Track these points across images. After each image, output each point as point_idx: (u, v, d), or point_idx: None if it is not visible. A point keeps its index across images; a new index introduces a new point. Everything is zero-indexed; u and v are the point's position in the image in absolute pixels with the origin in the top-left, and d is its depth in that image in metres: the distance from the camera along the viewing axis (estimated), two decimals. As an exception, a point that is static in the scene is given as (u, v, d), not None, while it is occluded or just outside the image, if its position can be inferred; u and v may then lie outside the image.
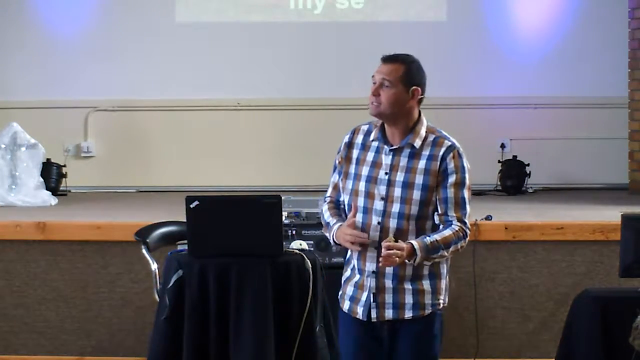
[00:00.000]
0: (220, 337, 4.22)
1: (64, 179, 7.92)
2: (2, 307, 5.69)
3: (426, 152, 3.47)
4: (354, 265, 3.58)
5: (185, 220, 4.37)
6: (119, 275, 5.64)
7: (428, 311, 3.52)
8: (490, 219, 5.67)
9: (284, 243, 4.40)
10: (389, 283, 3.48)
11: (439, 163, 3.45)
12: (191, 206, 4.28)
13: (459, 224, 3.44)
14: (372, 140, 3.54)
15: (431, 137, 3.49)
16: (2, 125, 7.30)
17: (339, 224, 3.52)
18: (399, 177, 3.45)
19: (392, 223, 3.44)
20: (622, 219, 4.54)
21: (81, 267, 5.66)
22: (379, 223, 3.46)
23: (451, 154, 3.46)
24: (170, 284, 4.31)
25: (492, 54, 8.30)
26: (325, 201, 3.66)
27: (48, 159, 7.67)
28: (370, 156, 3.51)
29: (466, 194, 3.47)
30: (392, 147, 3.48)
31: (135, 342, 5.54)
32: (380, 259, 3.36)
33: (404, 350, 3.54)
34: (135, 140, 8.42)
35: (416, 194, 3.44)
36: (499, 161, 8.03)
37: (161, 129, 8.42)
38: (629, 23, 8.01)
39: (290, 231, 5.08)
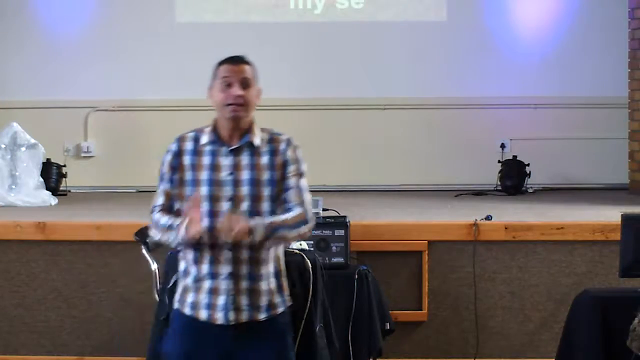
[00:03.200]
0: (220, 337, 4.21)
1: (64, 179, 7.92)
2: (2, 307, 5.68)
3: (266, 149, 3.47)
4: (199, 271, 3.43)
5: (185, 220, 4.35)
6: (119, 275, 5.63)
7: (280, 310, 3.47)
8: (490, 219, 5.67)
9: (284, 243, 4.39)
10: (245, 284, 3.41)
11: (280, 157, 3.47)
12: (191, 206, 4.26)
13: (299, 209, 3.42)
14: (204, 145, 3.49)
15: (266, 135, 3.50)
16: (2, 125, 7.30)
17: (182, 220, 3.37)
18: (245, 175, 3.42)
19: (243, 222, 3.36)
20: (622, 219, 4.55)
21: (81, 267, 5.66)
22: None
23: (290, 147, 3.50)
24: (170, 284, 4.32)
25: (492, 54, 8.30)
26: (154, 211, 3.48)
27: (48, 159, 7.67)
28: (206, 160, 3.46)
29: (304, 183, 3.49)
30: (231, 147, 3.45)
31: (135, 342, 5.53)
32: (220, 223, 3.29)
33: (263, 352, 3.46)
34: (135, 140, 8.42)
35: (265, 190, 3.42)
36: (499, 161, 8.03)
37: (161, 129, 8.41)
38: (629, 23, 8.01)
39: (290, 231, 5.06)
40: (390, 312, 5.18)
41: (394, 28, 8.40)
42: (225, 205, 3.37)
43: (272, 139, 3.48)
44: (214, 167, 3.42)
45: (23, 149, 7.14)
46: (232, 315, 3.38)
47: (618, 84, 8.09)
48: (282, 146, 3.47)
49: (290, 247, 4.57)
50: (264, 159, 3.44)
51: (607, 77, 8.22)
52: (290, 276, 4.24)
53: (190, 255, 3.45)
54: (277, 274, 3.46)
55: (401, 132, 8.23)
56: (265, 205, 3.40)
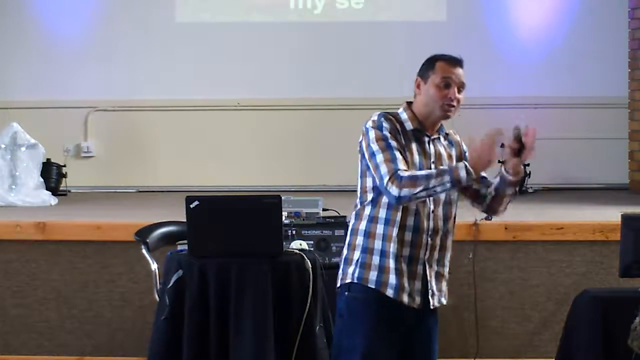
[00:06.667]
0: (220, 337, 4.22)
1: (64, 179, 7.92)
2: (2, 307, 5.68)
3: (450, 140, 3.68)
4: (399, 255, 3.47)
5: (185, 220, 4.37)
6: (119, 275, 5.63)
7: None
8: (490, 219, 5.66)
9: (284, 243, 4.40)
10: (437, 269, 3.55)
11: (461, 148, 3.69)
12: (191, 206, 4.28)
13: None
14: (410, 130, 3.54)
15: (444, 128, 3.66)
16: (2, 125, 7.30)
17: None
18: (445, 164, 3.55)
19: (440, 210, 3.53)
20: (622, 219, 4.54)
21: (81, 267, 5.66)
22: (432, 211, 3.50)
23: (460, 138, 3.73)
24: (170, 284, 4.31)
25: (492, 54, 8.30)
26: (401, 172, 3.36)
27: (48, 159, 7.67)
28: (413, 145, 3.51)
29: None
30: (432, 137, 3.58)
31: (135, 342, 5.53)
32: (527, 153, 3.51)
33: (434, 336, 3.63)
34: (135, 140, 8.43)
35: None
36: (499, 161, 8.02)
37: (161, 129, 8.43)
38: (629, 23, 8.02)
39: (290, 231, 5.07)
40: (390, 312, 5.17)
41: (394, 28, 8.41)
42: None
43: (447, 133, 3.68)
44: (422, 153, 3.52)
45: (23, 149, 7.15)
46: (434, 300, 3.54)
47: (618, 84, 8.10)
48: (457, 137, 3.70)
49: (290, 247, 4.58)
50: (452, 150, 3.64)
51: (607, 77, 8.22)
52: (290, 276, 4.27)
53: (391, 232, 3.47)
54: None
55: (401, 132, 8.23)
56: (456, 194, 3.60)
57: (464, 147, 3.63)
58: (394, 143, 3.43)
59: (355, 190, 3.59)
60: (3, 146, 7.10)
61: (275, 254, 4.26)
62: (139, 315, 5.54)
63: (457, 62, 3.60)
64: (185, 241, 4.45)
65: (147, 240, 4.75)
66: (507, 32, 8.35)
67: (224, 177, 8.26)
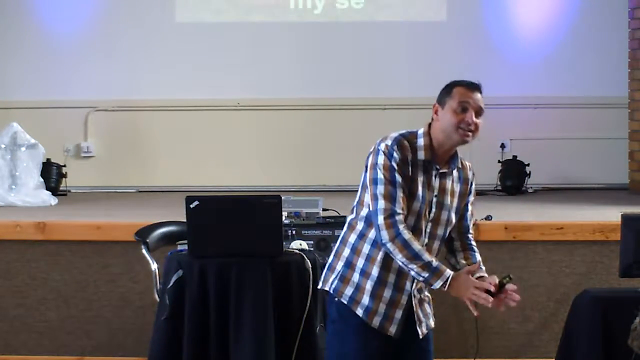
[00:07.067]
0: (220, 337, 4.22)
1: (64, 179, 7.92)
2: (2, 307, 5.68)
3: (457, 175, 3.54)
4: (382, 280, 3.45)
5: (185, 220, 4.37)
6: (119, 275, 5.63)
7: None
8: (490, 219, 5.67)
9: (284, 243, 4.40)
10: (420, 296, 3.54)
11: (467, 186, 3.57)
12: (191, 206, 4.28)
13: (474, 244, 3.62)
14: (421, 160, 3.45)
15: (458, 161, 3.54)
16: (2, 125, 7.30)
17: (450, 271, 3.36)
18: (446, 200, 3.48)
19: (436, 245, 3.49)
20: (622, 219, 4.54)
21: (81, 267, 5.66)
22: (425, 245, 3.45)
23: (474, 177, 3.60)
24: (170, 284, 4.32)
25: (492, 54, 8.30)
26: (397, 218, 3.35)
27: (48, 159, 7.67)
28: (420, 176, 3.43)
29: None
30: (442, 171, 3.47)
31: (135, 342, 5.53)
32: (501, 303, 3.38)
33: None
34: (135, 140, 8.43)
35: (455, 217, 3.52)
36: (499, 161, 8.04)
37: (161, 129, 8.42)
38: (629, 23, 8.01)
39: (290, 231, 5.08)
40: (390, 312, 5.17)
41: (394, 28, 8.41)
42: (424, 225, 3.44)
43: (462, 165, 3.55)
44: (427, 186, 3.44)
45: (23, 149, 7.14)
46: (422, 329, 3.53)
47: (618, 84, 8.09)
48: (470, 175, 3.57)
49: (290, 247, 4.58)
50: (458, 187, 3.52)
51: (607, 77, 8.22)
52: (290, 276, 4.27)
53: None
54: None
55: (401, 132, 8.23)
56: (448, 230, 3.52)
57: (473, 187, 3.57)
58: (399, 178, 3.37)
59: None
60: (3, 146, 7.10)
61: (275, 254, 4.27)
62: (139, 315, 5.54)
63: (474, 87, 3.52)
64: (185, 241, 4.45)
65: (147, 240, 4.75)
66: (507, 32, 8.35)
67: (224, 177, 8.26)
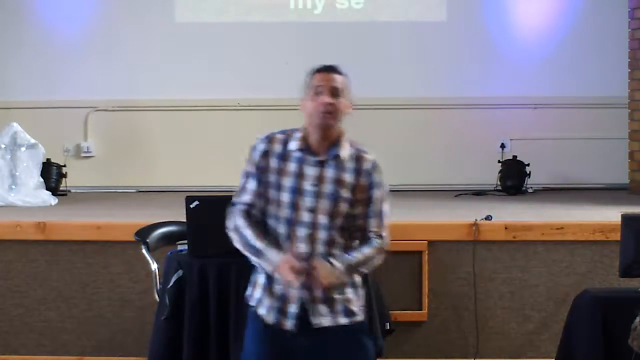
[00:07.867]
0: (220, 337, 4.23)
1: (64, 179, 7.92)
2: (2, 307, 5.68)
3: (351, 165, 3.46)
4: (270, 277, 3.42)
5: (185, 220, 4.37)
6: (119, 275, 5.63)
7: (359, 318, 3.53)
8: (490, 219, 5.67)
9: (284, 243, 4.39)
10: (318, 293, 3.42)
11: (364, 178, 3.46)
12: (191, 206, 4.28)
13: (379, 240, 3.45)
14: (292, 151, 3.45)
15: (353, 150, 3.48)
16: (2, 125, 7.30)
17: (276, 253, 3.35)
18: (327, 189, 3.41)
19: (322, 234, 3.40)
20: (622, 219, 4.55)
21: (81, 267, 5.66)
22: (309, 235, 3.40)
23: (376, 170, 3.48)
24: (170, 284, 4.32)
25: (492, 54, 8.30)
26: (239, 208, 3.45)
27: (48, 159, 7.67)
28: (292, 167, 3.43)
29: (387, 207, 3.50)
30: (319, 159, 3.44)
31: (135, 342, 5.53)
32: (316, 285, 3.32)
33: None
34: (135, 140, 8.42)
35: (343, 206, 3.42)
36: (499, 161, 8.03)
37: (161, 129, 8.42)
38: (629, 23, 8.01)
39: (290, 231, 5.06)
40: (390, 312, 5.17)
41: (394, 28, 8.41)
42: (304, 216, 3.38)
43: (358, 157, 3.47)
44: (299, 175, 3.42)
45: (23, 149, 7.15)
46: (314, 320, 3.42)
47: (618, 84, 8.09)
48: (367, 166, 3.46)
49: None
50: (348, 176, 3.43)
51: (607, 77, 8.22)
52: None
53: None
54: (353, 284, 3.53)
55: (401, 132, 8.23)
56: (339, 221, 3.42)
57: (374, 180, 3.45)
58: (252, 169, 3.49)
59: None
60: (3, 146, 7.10)
61: (275, 254, 4.25)
62: (139, 315, 5.54)
63: (327, 69, 3.58)
64: (185, 241, 4.45)
65: (147, 240, 4.76)
66: (507, 32, 8.35)
67: (224, 177, 8.22)
